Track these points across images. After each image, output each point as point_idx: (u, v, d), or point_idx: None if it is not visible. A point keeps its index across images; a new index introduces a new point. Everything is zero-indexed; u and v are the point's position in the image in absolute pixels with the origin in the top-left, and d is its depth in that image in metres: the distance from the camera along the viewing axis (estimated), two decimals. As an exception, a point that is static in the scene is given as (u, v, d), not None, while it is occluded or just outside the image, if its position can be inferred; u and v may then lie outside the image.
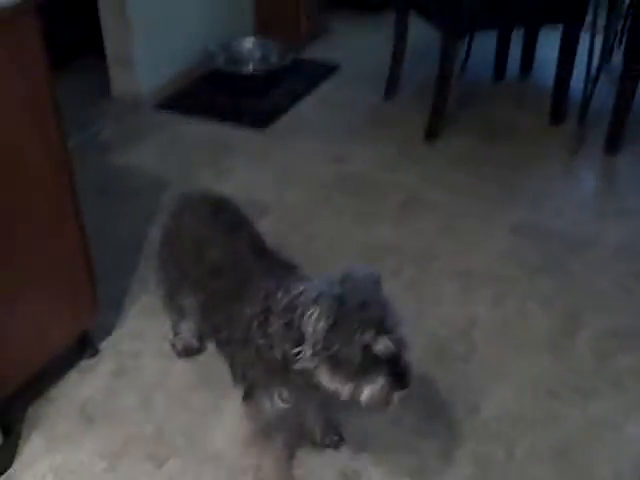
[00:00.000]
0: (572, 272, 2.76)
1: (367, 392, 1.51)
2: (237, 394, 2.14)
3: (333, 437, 2.10)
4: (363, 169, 3.40)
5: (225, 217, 2.01)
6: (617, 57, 4.01)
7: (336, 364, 1.52)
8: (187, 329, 2.32)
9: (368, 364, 1.50)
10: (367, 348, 1.49)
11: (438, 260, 2.83)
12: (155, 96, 3.96)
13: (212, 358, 2.34)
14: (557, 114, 3.67)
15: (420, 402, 2.24)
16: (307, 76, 4.24)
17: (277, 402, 1.75)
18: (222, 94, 4.01)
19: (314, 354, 1.52)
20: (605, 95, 3.63)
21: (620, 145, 3.45)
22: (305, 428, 2.08)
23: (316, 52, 4.58)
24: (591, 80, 3.53)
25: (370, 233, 2.98)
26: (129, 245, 2.87)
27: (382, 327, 1.50)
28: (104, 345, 2.42)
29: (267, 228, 2.09)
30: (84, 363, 2.35)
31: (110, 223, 2.98)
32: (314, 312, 1.50)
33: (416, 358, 2.29)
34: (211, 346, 2.37)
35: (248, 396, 1.84)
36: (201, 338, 2.37)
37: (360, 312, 1.50)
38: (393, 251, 2.85)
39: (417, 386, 2.24)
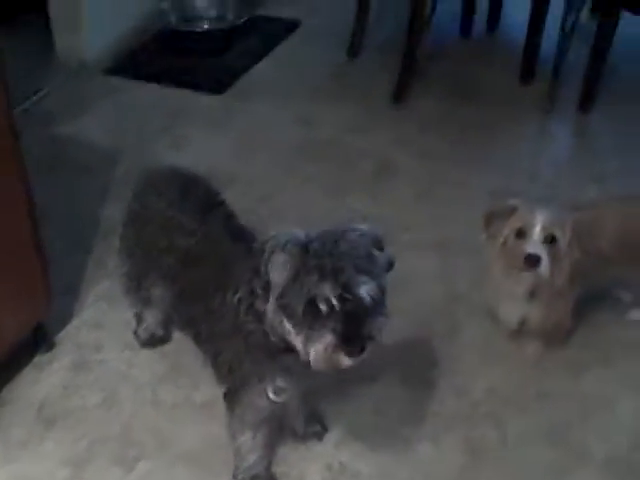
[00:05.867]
0: (555, 238, 2.64)
1: (312, 348, 1.38)
2: (208, 385, 2.00)
3: (316, 428, 1.98)
4: (330, 133, 3.22)
5: (195, 197, 1.83)
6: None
7: (290, 315, 1.40)
8: (152, 317, 2.14)
9: (315, 317, 1.36)
10: (314, 299, 1.35)
11: (414, 231, 2.68)
12: (103, 59, 3.68)
13: (179, 347, 2.19)
14: (528, 72, 3.52)
15: (404, 386, 2.11)
16: (266, 34, 3.99)
17: (270, 396, 1.62)
18: (175, 56, 3.75)
19: (279, 305, 1.40)
20: (576, 52, 3.49)
21: (594, 103, 3.33)
22: (287, 420, 1.94)
23: (274, 8, 4.27)
24: (566, 34, 3.39)
25: (341, 203, 2.81)
26: (83, 225, 2.66)
27: (332, 277, 1.35)
28: (61, 337, 2.23)
29: (231, 202, 1.91)
30: (39, 358, 2.16)
31: (60, 201, 2.75)
32: (278, 259, 1.38)
33: (395, 340, 2.22)
34: (177, 334, 2.21)
35: (235, 392, 1.69)
36: (167, 326, 2.20)
37: (320, 264, 1.36)
38: (365, 222, 2.68)
39: (399, 370, 2.16)
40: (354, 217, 2.66)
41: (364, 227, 1.47)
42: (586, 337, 2.27)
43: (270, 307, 1.43)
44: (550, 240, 1.95)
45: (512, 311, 2.15)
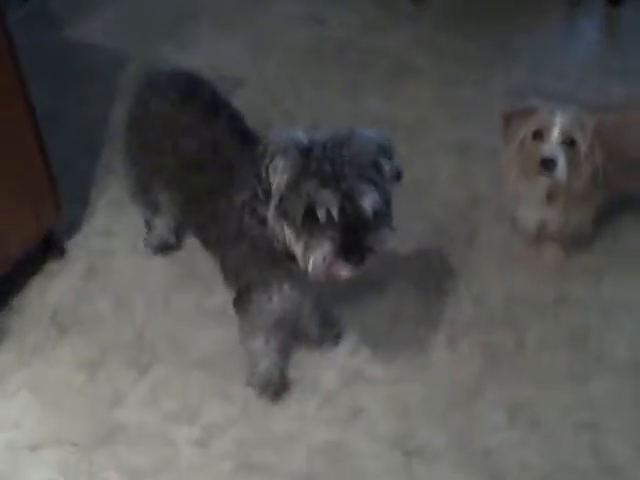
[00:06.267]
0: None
1: (310, 256, 1.34)
2: (221, 291, 1.97)
3: (330, 333, 1.95)
4: (345, 33, 3.09)
5: (200, 99, 1.75)
6: None
7: (290, 222, 1.36)
8: (163, 224, 2.10)
9: (314, 225, 1.32)
10: (313, 206, 1.30)
11: (432, 133, 2.59)
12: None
13: (191, 253, 2.15)
14: (555, -38, 3.33)
15: (420, 291, 2.07)
16: None
17: (276, 301, 1.60)
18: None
19: (279, 211, 1.36)
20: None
21: (624, -5, 3.15)
22: (300, 325, 1.91)
23: None
24: None
25: (356, 105, 2.72)
26: (90, 130, 2.59)
27: (333, 184, 1.29)
28: (71, 244, 2.19)
29: (242, 105, 1.84)
30: (50, 266, 2.13)
31: (67, 106, 2.68)
32: (278, 163, 1.33)
33: (412, 245, 2.17)
34: (189, 240, 2.17)
35: (243, 297, 1.67)
36: (178, 232, 2.15)
37: (321, 170, 1.30)
38: (382, 125, 2.58)
39: (416, 275, 2.12)
40: (369, 120, 2.59)
41: (372, 133, 1.40)
42: (607, 243, 2.21)
43: (271, 213, 1.38)
44: (569, 142, 1.86)
45: (530, 215, 2.08)
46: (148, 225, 2.13)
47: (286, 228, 1.37)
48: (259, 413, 1.80)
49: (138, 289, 2.08)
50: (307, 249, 1.34)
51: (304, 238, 1.34)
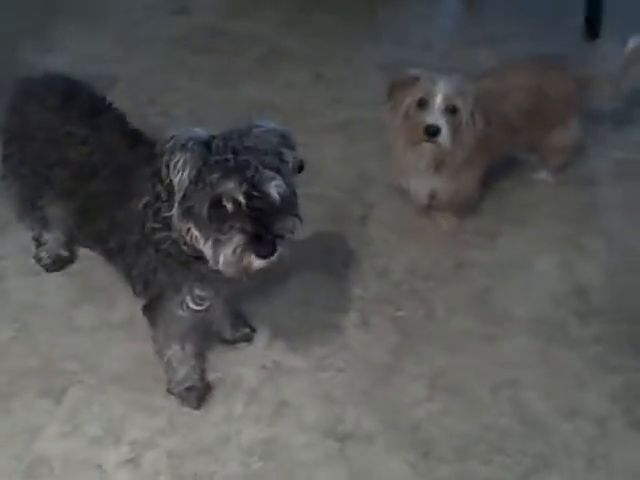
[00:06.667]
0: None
1: (221, 253, 1.32)
2: (124, 301, 1.91)
3: (244, 330, 1.93)
4: (212, 20, 3.03)
5: (80, 103, 1.68)
6: None
7: (196, 220, 1.33)
8: (53, 238, 2.00)
9: (222, 219, 1.30)
10: (219, 198, 1.28)
11: (313, 115, 2.60)
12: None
13: (87, 267, 2.06)
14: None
15: (326, 275, 2.09)
16: None
17: (190, 306, 1.55)
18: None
19: (183, 210, 1.33)
20: None
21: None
22: (214, 326, 1.88)
23: None
24: None
25: (232, 94, 2.68)
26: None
27: (237, 173, 1.28)
28: (-44, 272, 2.05)
29: (117, 104, 1.77)
30: (-64, 298, 1.98)
31: None
32: (178, 159, 1.30)
33: (311, 229, 2.17)
34: (83, 252, 2.07)
35: (154, 305, 1.62)
36: (71, 245, 2.06)
37: (223, 160, 1.29)
38: (263, 110, 2.57)
39: (319, 260, 2.13)
40: (248, 107, 2.55)
41: (273, 123, 1.39)
42: (496, 203, 2.30)
43: (175, 212, 1.34)
44: (451, 110, 1.92)
45: (420, 186, 2.13)
46: (37, 242, 2.02)
47: (193, 228, 1.34)
48: (186, 421, 1.76)
49: (37, 312, 1.97)
50: (217, 246, 1.31)
51: (212, 235, 1.31)
